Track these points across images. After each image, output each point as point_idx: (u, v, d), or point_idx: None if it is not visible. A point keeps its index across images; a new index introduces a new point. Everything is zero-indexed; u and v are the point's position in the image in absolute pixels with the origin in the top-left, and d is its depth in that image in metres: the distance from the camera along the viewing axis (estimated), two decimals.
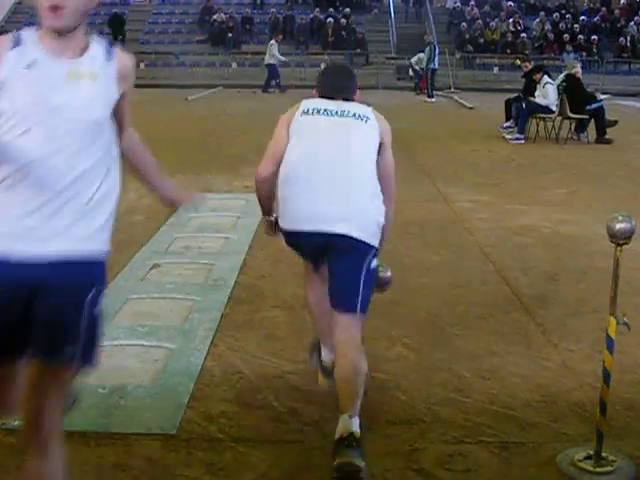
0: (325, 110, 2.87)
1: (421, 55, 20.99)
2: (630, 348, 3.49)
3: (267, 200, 3.01)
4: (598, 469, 2.59)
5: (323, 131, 2.84)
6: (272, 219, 3.03)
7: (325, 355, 3.09)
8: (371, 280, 2.77)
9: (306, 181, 2.78)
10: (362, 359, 2.69)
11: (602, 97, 12.65)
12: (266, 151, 2.95)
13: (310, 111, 2.88)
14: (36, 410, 1.97)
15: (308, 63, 23.53)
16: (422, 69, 20.66)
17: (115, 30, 27.00)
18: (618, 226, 2.49)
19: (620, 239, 2.50)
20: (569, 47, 21.17)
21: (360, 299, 2.72)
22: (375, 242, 2.77)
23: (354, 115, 2.86)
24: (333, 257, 2.76)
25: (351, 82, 3.06)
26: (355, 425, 2.59)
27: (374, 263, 2.79)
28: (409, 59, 22.37)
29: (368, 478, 2.52)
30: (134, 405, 3.03)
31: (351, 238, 2.69)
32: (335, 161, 2.78)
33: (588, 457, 2.62)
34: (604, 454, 2.62)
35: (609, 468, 2.59)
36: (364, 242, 2.71)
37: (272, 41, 21.83)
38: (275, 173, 2.89)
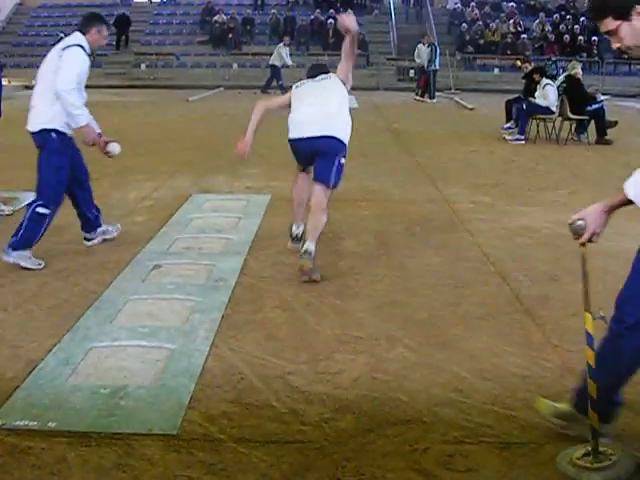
0: (307, 80, 5.10)
1: (420, 46, 20.86)
2: None
3: (252, 124, 5.08)
4: (596, 464, 2.58)
5: (307, 87, 5.01)
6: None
7: (294, 229, 5.16)
8: (339, 172, 4.79)
9: (300, 117, 4.81)
10: (323, 214, 4.73)
11: (602, 98, 12.65)
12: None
13: (299, 84, 5.11)
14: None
15: (309, 64, 23.51)
16: (424, 66, 20.48)
17: (120, 31, 27.06)
18: (578, 223, 2.73)
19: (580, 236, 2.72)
20: (553, 56, 21.02)
21: (332, 179, 4.76)
22: (345, 142, 4.75)
23: (322, 78, 5.06)
24: (320, 154, 4.70)
25: (324, 69, 5.25)
26: (311, 245, 4.58)
27: (343, 161, 4.81)
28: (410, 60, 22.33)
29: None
30: (135, 406, 3.03)
31: (332, 137, 4.65)
32: (317, 98, 4.84)
33: (586, 454, 2.61)
34: (602, 449, 2.61)
35: (607, 462, 2.58)
36: (339, 139, 4.68)
37: (281, 44, 21.83)
38: (270, 111, 5.08)
